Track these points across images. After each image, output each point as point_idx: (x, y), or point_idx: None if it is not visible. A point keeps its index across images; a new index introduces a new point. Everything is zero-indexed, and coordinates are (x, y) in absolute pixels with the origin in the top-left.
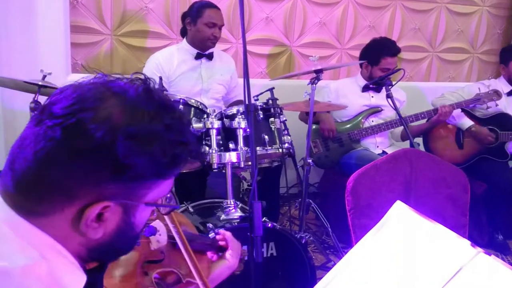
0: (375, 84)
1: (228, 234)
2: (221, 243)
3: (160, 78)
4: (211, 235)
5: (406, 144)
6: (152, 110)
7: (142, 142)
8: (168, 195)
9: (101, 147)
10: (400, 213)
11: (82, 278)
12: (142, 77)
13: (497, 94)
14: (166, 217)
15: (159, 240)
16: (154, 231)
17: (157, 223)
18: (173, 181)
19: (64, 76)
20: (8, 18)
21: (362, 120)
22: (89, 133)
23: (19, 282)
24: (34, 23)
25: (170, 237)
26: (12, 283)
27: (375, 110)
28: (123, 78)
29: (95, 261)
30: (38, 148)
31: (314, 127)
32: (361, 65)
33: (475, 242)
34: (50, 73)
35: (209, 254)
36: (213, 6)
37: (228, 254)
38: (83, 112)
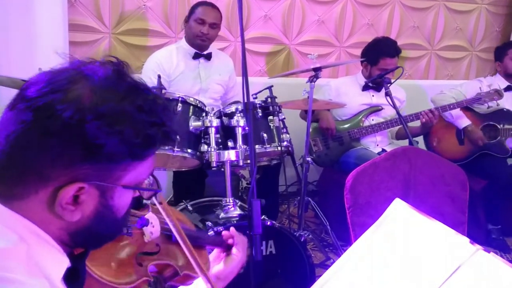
0: (374, 82)
1: (233, 230)
2: (229, 241)
3: (159, 77)
4: (211, 233)
5: (404, 143)
6: (122, 91)
7: (111, 121)
8: (150, 180)
9: (70, 127)
10: (399, 211)
11: (64, 263)
12: (114, 60)
13: (498, 93)
14: (160, 209)
15: (152, 231)
16: (146, 223)
17: (150, 215)
18: (153, 165)
19: None
20: (6, 17)
21: (363, 119)
22: (57, 113)
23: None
24: (33, 21)
25: (166, 230)
26: None
27: (375, 109)
28: (95, 62)
29: (79, 246)
30: (9, 131)
31: (315, 125)
32: (362, 63)
33: (474, 239)
34: None
35: (217, 252)
36: (208, 4)
37: (234, 249)
38: (52, 94)
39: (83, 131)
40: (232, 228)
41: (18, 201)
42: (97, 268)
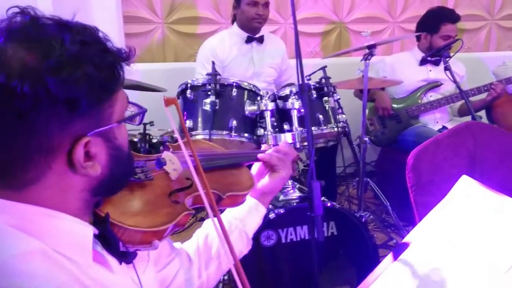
0: (433, 56)
1: (268, 153)
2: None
3: (213, 63)
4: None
5: (467, 119)
6: (53, 35)
7: (70, 69)
8: (133, 108)
9: (39, 98)
10: (467, 188)
11: (88, 233)
12: (17, 10)
13: None
14: (180, 142)
15: (176, 168)
16: (163, 162)
17: (166, 154)
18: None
19: None
20: (62, 13)
21: (421, 96)
22: (17, 92)
23: (18, 273)
24: (89, 16)
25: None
26: (11, 276)
27: (434, 85)
28: (2, 21)
29: (100, 196)
30: None
31: (371, 104)
32: (418, 37)
33: None
34: None
35: (260, 168)
36: None
37: (277, 169)
38: None
39: (51, 94)
40: (265, 148)
41: (32, 186)
42: (130, 220)
